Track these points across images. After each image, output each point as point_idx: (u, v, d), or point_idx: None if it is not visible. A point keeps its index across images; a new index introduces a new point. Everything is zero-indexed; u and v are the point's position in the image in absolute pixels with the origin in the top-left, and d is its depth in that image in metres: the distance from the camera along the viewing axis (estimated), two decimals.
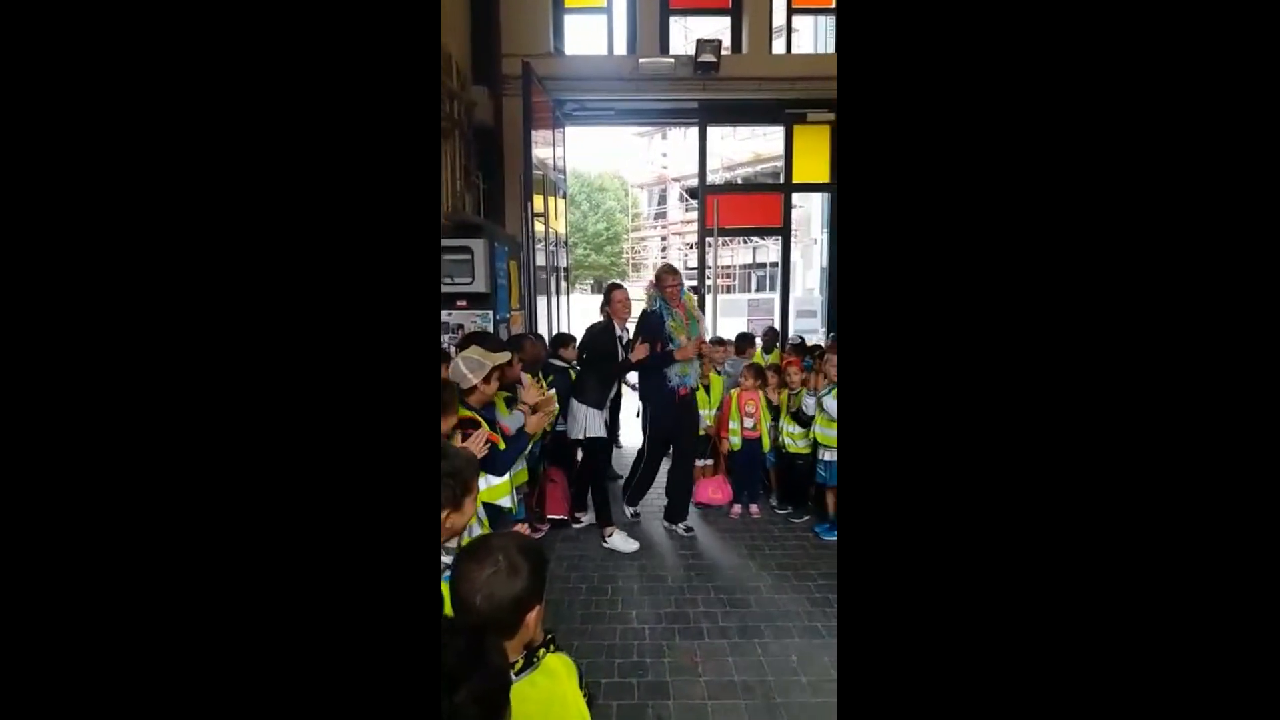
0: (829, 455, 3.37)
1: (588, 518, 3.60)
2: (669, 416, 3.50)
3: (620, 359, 3.46)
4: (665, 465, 3.65)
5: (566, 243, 5.87)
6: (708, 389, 3.88)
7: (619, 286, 3.64)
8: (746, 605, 2.71)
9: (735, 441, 3.78)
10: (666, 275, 3.52)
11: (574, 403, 3.40)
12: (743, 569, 3.08)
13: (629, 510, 3.74)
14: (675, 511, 3.58)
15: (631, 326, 3.60)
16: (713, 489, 3.85)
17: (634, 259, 27.59)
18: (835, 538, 3.36)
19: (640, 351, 3.36)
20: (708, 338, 4.04)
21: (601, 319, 3.49)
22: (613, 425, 3.59)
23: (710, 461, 4.00)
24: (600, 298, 3.64)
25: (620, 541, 3.33)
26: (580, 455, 3.69)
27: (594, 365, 3.45)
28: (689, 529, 3.52)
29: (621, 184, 28.15)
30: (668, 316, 3.41)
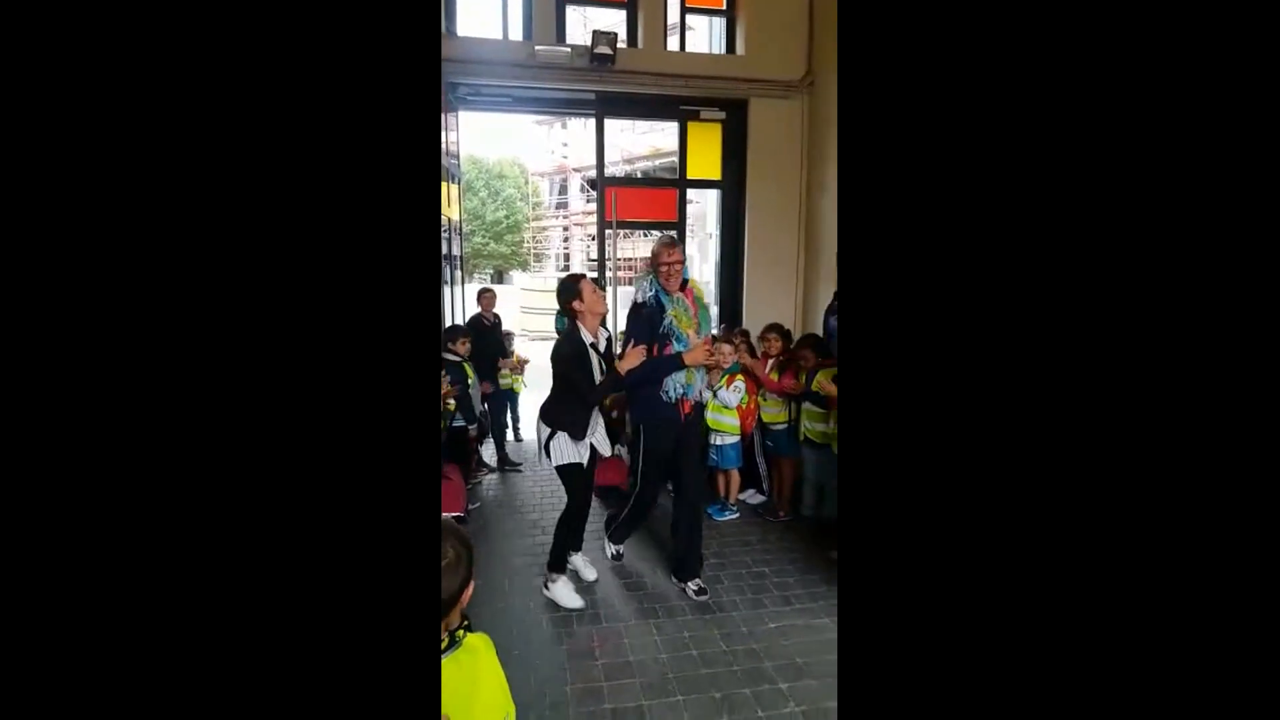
0: (720, 439, 3.54)
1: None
2: (668, 440, 2.58)
3: (602, 377, 2.41)
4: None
5: (461, 230, 5.68)
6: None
7: (583, 277, 2.52)
8: (642, 588, 2.80)
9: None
10: (664, 250, 2.47)
11: (540, 424, 2.57)
12: (638, 551, 3.17)
13: (611, 549, 2.95)
14: (686, 567, 2.71)
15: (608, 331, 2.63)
16: (611, 471, 3.91)
17: (536, 248, 27.14)
18: (726, 518, 3.55)
19: (632, 358, 2.36)
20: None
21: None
22: (592, 459, 2.61)
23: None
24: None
25: (564, 593, 2.59)
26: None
27: (564, 395, 2.45)
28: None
29: (522, 172, 27.53)
30: (668, 305, 2.46)
